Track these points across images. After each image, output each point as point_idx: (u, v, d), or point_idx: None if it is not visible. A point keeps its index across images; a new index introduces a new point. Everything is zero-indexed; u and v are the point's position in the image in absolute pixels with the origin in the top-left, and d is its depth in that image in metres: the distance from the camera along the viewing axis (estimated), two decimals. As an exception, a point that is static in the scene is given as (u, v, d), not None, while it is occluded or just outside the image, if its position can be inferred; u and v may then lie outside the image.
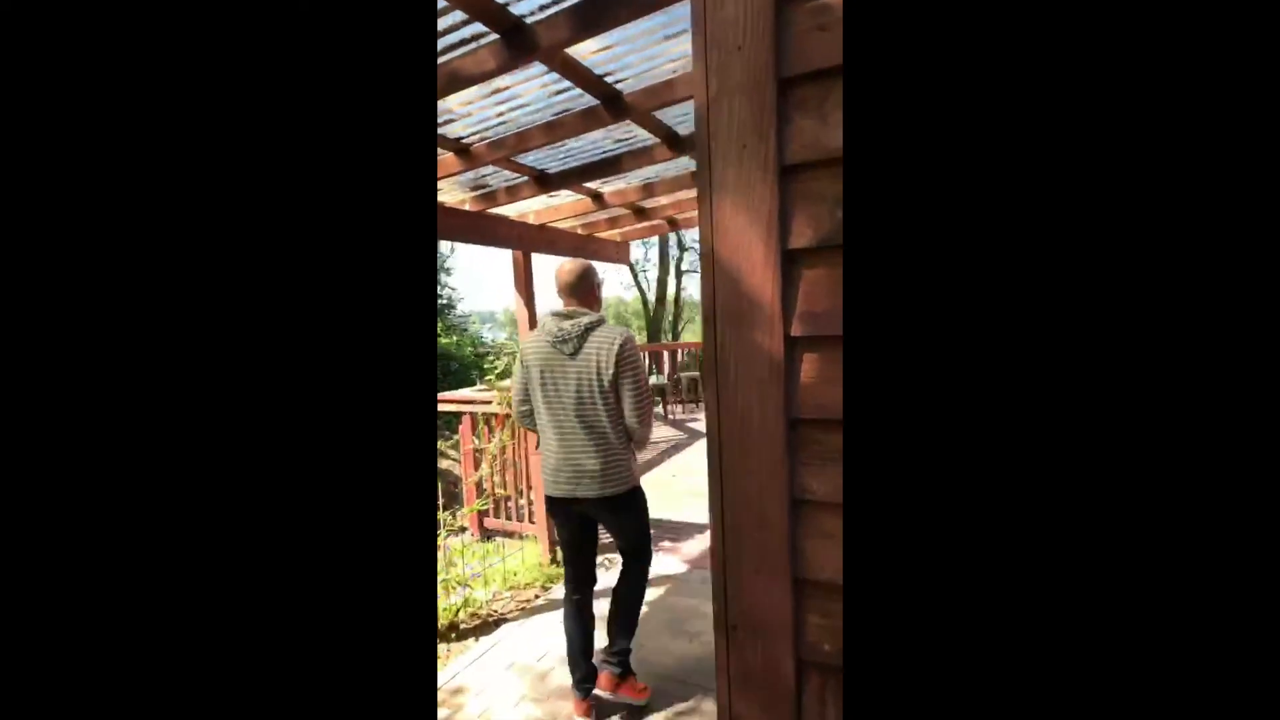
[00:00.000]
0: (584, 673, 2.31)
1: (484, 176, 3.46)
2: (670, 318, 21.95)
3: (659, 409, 8.74)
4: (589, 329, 2.07)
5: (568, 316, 2.10)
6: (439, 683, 2.62)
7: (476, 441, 4.57)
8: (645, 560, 2.35)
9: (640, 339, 18.61)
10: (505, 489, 4.42)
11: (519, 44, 1.92)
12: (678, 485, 5.61)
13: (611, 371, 2.04)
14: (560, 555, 2.29)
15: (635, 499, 2.23)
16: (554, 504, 2.21)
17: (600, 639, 2.43)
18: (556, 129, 2.70)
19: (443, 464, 7.99)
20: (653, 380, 6.94)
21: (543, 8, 1.87)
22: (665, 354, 10.71)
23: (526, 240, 4.16)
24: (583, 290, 2.15)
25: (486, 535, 4.63)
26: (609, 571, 3.38)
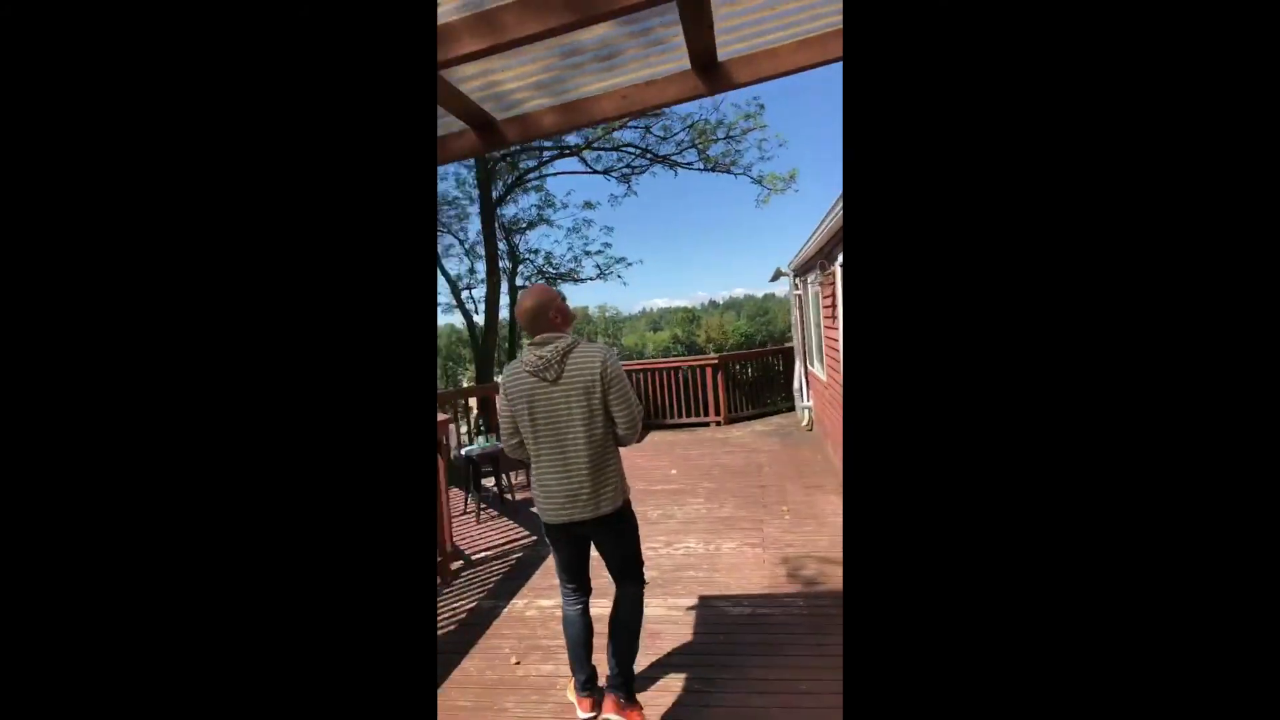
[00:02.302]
0: (589, 674, 2.32)
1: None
2: (507, 348, 15.24)
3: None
4: (566, 353, 2.08)
5: (543, 344, 2.10)
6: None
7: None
8: (639, 582, 2.33)
9: (467, 376, 11.74)
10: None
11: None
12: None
13: (599, 392, 2.07)
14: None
15: (626, 515, 2.25)
16: (552, 530, 2.22)
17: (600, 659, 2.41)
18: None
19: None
20: (480, 442, 5.58)
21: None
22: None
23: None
24: (544, 319, 2.15)
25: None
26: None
